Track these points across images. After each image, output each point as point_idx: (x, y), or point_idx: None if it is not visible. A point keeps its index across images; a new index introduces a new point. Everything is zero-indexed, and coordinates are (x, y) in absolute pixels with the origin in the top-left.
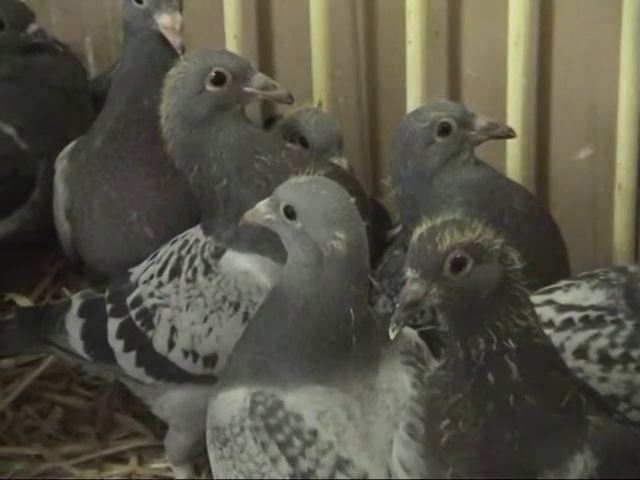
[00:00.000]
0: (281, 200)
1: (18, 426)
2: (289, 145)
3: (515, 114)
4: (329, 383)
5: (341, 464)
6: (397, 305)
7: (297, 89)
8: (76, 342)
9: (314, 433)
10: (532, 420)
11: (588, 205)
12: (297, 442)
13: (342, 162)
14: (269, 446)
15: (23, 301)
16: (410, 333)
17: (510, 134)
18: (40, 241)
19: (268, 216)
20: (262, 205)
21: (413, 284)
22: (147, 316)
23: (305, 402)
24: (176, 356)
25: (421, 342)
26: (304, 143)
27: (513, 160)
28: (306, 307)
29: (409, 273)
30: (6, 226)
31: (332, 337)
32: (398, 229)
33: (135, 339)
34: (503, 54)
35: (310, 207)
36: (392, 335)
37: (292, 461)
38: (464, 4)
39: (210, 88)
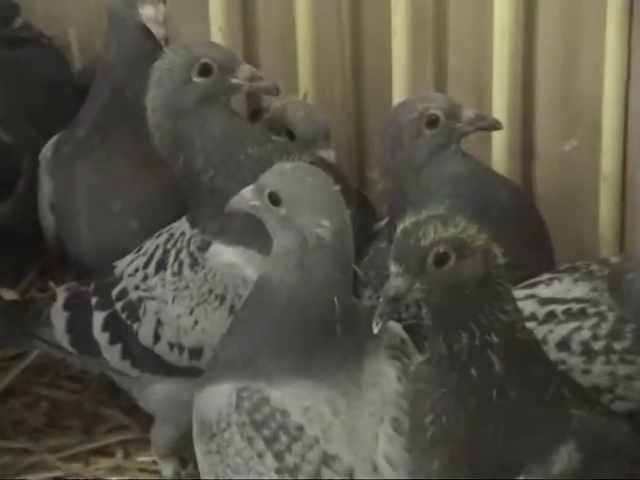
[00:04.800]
0: (266, 186)
1: (4, 419)
2: (275, 137)
3: (500, 106)
4: (315, 377)
5: (327, 459)
6: (380, 299)
7: (282, 81)
8: (61, 335)
9: (300, 429)
10: (515, 414)
11: (573, 196)
12: (283, 437)
13: (330, 154)
14: (255, 441)
15: (8, 294)
16: (395, 327)
17: (497, 126)
18: (25, 234)
19: (253, 202)
20: (247, 191)
21: (396, 279)
22: (132, 309)
23: (291, 398)
24: (162, 349)
25: (406, 336)
26: (291, 136)
27: (499, 152)
28: (290, 295)
29: (392, 267)
30: None
31: (316, 326)
32: (384, 222)
33: (120, 332)
34: (489, 46)
35: (295, 194)
36: (375, 329)
37: (278, 456)
38: None
39: (196, 79)
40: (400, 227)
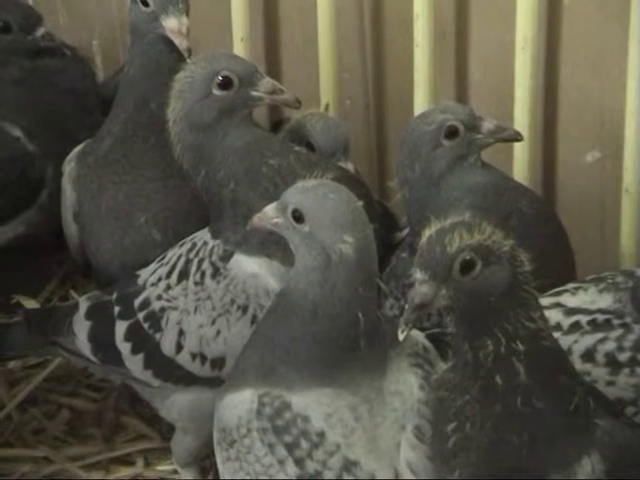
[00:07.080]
0: (289, 204)
1: (25, 428)
2: (297, 148)
3: (522, 117)
4: (337, 384)
5: (348, 466)
6: (406, 307)
7: (304, 92)
8: (83, 344)
9: (321, 435)
10: (539, 423)
11: (595, 208)
12: (304, 444)
13: (348, 166)
14: (276, 447)
15: (30, 303)
16: (417, 335)
17: (517, 137)
18: (48, 243)
19: (276, 220)
20: (270, 209)
21: (422, 286)
22: (155, 319)
23: (312, 404)
24: (184, 359)
25: (428, 344)
26: (310, 147)
27: (520, 163)
28: (314, 310)
29: (418, 275)
30: (14, 228)
31: (340, 340)
32: (405, 231)
33: (143, 342)
34: (510, 57)
35: (318, 211)
36: (401, 337)
37: (299, 463)
38: (471, 7)
39: (217, 92)
40: (425, 234)
